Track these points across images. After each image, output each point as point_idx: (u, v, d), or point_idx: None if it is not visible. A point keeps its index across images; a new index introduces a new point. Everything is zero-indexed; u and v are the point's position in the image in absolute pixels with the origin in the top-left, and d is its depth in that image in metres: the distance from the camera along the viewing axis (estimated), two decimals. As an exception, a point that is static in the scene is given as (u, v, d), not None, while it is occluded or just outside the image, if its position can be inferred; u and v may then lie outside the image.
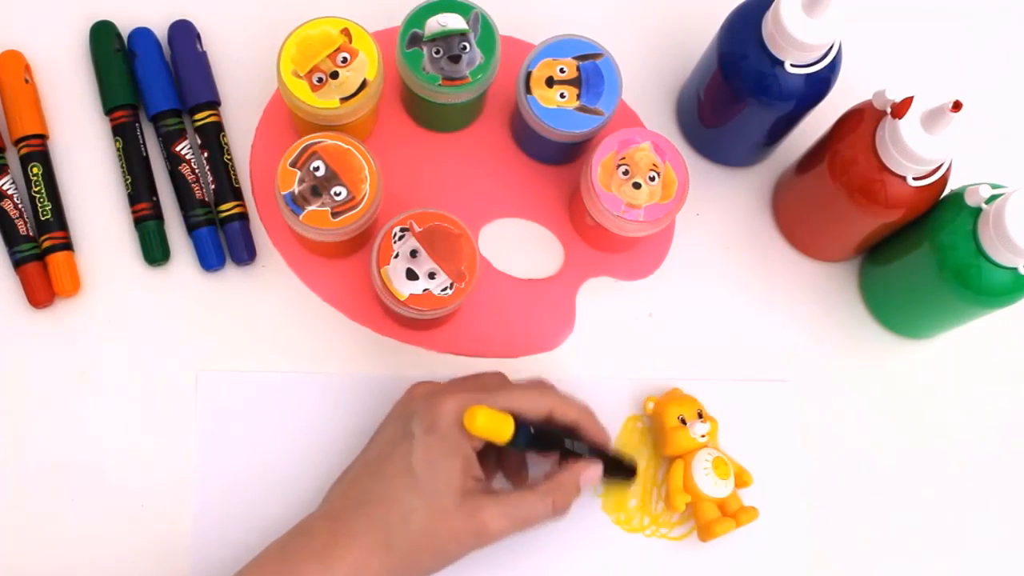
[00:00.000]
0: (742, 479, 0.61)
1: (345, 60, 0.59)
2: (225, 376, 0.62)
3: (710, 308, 0.66)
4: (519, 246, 0.65)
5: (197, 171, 0.64)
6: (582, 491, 0.56)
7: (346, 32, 0.60)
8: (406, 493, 0.52)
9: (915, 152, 0.55)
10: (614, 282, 0.66)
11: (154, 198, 0.64)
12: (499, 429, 0.52)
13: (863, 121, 0.58)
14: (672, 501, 0.60)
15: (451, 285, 0.57)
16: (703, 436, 0.60)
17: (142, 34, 0.65)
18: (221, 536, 0.60)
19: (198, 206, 0.63)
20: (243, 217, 0.64)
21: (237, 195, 0.64)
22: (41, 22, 0.66)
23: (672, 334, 0.65)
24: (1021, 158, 0.70)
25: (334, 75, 0.59)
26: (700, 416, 0.61)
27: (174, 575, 0.60)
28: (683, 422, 0.61)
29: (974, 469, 0.65)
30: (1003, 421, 0.66)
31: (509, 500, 0.54)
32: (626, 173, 0.60)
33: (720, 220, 0.67)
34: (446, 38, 0.60)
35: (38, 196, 0.62)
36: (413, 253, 0.57)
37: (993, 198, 0.56)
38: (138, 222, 0.63)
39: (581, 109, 0.61)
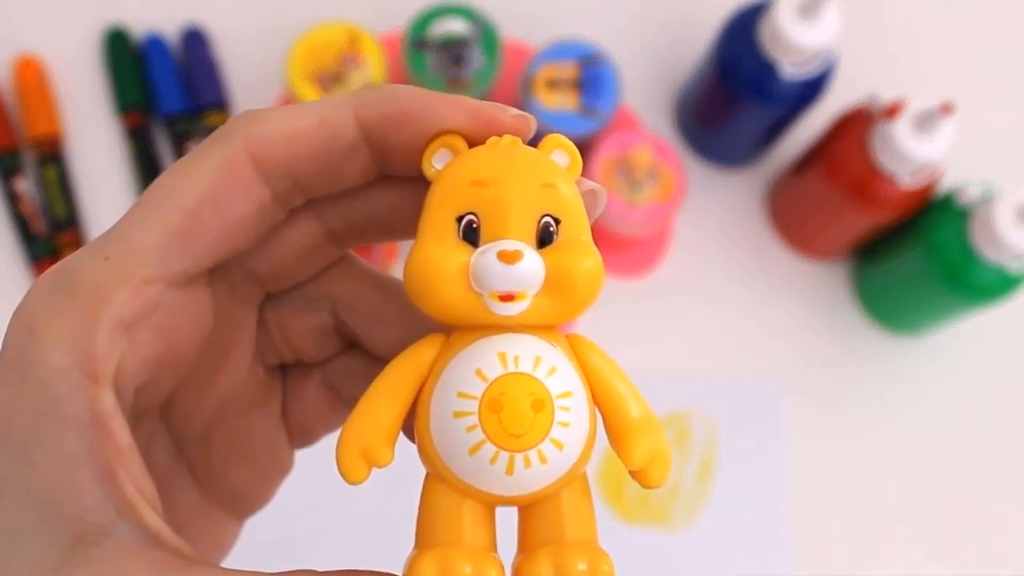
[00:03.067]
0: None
1: (351, 63, 0.61)
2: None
3: (707, 307, 0.67)
4: (520, 246, 0.66)
5: (207, 172, 0.65)
6: None
7: (352, 36, 0.61)
8: None
9: (908, 153, 0.56)
10: (613, 282, 0.67)
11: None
12: None
13: (858, 123, 0.59)
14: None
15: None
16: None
17: (154, 39, 0.66)
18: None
19: (208, 206, 0.65)
20: (252, 217, 0.65)
21: (246, 195, 0.65)
22: (56, 28, 0.67)
23: (670, 333, 0.66)
24: (1012, 159, 0.71)
25: (340, 78, 0.60)
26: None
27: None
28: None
29: (970, 466, 0.66)
30: (999, 419, 0.67)
31: None
32: (626, 173, 0.61)
33: (718, 220, 0.68)
34: (450, 42, 0.61)
35: (53, 196, 0.64)
36: (416, 252, 0.58)
37: (985, 198, 0.57)
38: (150, 221, 0.65)
39: (581, 110, 0.62)
